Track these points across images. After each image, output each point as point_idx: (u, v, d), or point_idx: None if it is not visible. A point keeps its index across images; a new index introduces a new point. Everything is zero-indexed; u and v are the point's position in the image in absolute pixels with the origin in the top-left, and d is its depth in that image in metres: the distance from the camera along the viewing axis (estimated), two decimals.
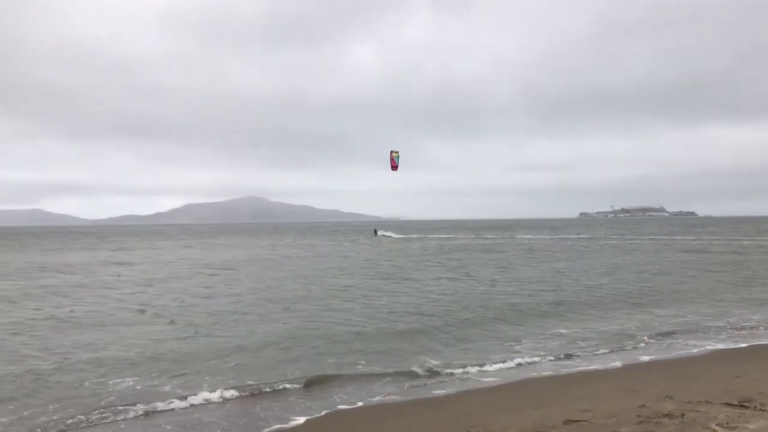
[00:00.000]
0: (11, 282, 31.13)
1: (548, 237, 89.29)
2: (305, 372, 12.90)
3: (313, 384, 12.22)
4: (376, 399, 11.42)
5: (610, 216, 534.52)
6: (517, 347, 15.31)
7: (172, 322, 18.81)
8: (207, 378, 12.54)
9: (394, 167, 52.45)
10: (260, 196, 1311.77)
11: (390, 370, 13.12)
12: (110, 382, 12.18)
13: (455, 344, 15.59)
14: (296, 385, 12.10)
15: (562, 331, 17.14)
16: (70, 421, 10.14)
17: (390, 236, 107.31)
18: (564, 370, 13.24)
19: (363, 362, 13.78)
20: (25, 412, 10.50)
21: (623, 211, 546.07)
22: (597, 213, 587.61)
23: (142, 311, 20.91)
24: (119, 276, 33.92)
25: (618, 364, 13.69)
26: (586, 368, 13.38)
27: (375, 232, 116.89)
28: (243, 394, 11.62)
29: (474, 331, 17.16)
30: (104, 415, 10.42)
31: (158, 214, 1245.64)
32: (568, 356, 14.59)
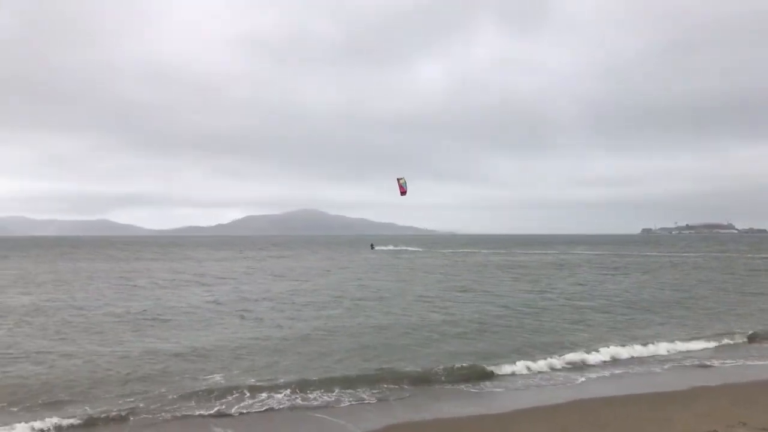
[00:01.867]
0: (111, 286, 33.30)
1: (611, 253, 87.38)
2: None
3: None
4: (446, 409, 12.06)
5: (674, 232, 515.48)
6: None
7: (279, 326, 20.06)
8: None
9: (403, 192, 53.54)
10: (317, 209, 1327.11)
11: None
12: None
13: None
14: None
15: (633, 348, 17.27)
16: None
17: (390, 249, 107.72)
18: (630, 391, 13.45)
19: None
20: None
21: (688, 227, 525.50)
22: (660, 229, 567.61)
23: (242, 316, 22.66)
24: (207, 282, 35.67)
25: (687, 386, 13.76)
26: (654, 390, 13.49)
27: (372, 246, 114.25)
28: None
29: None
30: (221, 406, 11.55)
31: (219, 226, 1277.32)
32: (632, 374, 14.85)
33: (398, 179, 51.04)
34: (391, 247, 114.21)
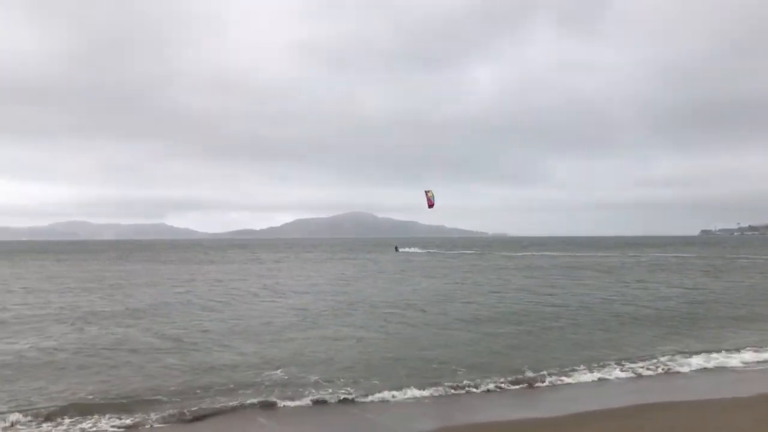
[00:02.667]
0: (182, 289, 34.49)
1: (670, 255, 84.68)
2: None
3: None
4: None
5: (735, 234, 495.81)
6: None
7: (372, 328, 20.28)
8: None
9: (431, 205, 53.29)
10: (367, 212, 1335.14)
11: None
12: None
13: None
14: None
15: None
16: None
17: (415, 251, 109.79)
18: (696, 397, 13.02)
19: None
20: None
21: (751, 228, 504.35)
22: (721, 230, 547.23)
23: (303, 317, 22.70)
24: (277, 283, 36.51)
25: (753, 392, 13.25)
26: (721, 396, 13.03)
27: (396, 248, 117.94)
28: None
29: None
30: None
31: (271, 229, 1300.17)
32: (697, 380, 14.38)
33: (426, 192, 52.19)
34: (416, 249, 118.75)
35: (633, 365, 15.72)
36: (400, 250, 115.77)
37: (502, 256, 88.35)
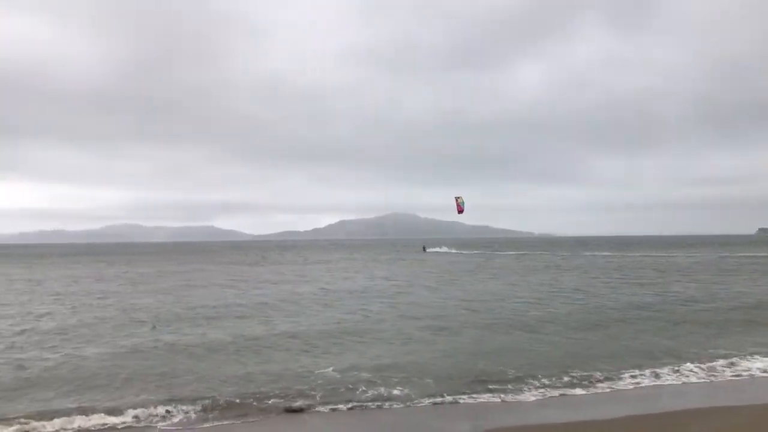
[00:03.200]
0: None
1: (742, 255, 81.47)
2: None
3: None
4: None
5: None
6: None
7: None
8: None
9: (461, 211, 53.14)
10: (409, 212, 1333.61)
11: None
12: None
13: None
14: None
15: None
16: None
17: (446, 251, 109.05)
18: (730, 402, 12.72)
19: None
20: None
21: None
22: None
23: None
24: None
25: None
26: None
27: (424, 248, 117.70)
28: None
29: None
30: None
31: (315, 230, 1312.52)
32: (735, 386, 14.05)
33: (456, 198, 52.71)
34: (445, 249, 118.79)
35: (707, 364, 15.56)
36: (428, 250, 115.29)
37: (559, 256, 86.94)
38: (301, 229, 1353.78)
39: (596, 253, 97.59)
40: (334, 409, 12.42)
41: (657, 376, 14.76)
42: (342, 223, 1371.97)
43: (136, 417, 11.79)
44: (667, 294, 32.42)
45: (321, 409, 12.42)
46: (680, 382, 14.38)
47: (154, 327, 22.62)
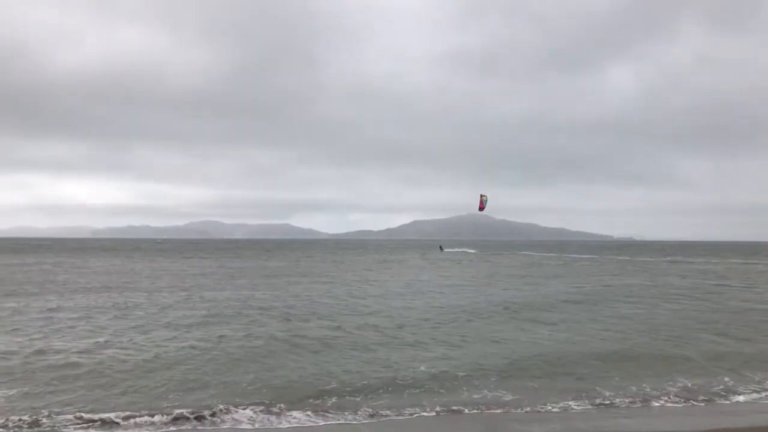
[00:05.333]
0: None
1: None
2: None
3: None
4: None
5: None
6: None
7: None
8: None
9: (481, 208, 52.84)
10: (484, 213, 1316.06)
11: None
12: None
13: None
14: None
15: None
16: None
17: (465, 252, 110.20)
18: None
19: None
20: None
21: None
22: None
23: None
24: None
25: None
26: None
27: (441, 248, 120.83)
28: None
29: None
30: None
31: (388, 230, 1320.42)
32: None
33: (481, 195, 53.44)
34: (457, 249, 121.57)
35: None
36: (446, 250, 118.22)
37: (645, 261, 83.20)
38: (375, 228, 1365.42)
39: (680, 259, 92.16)
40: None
41: None
42: (415, 224, 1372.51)
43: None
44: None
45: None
46: None
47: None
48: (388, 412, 11.62)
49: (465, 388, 13.16)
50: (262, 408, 11.64)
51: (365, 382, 13.47)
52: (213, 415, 11.17)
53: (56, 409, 11.26)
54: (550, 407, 12.06)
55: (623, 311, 25.94)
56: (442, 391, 12.97)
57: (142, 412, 11.17)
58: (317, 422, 11.10)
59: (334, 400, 12.28)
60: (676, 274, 52.53)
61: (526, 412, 11.83)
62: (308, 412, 11.49)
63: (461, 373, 14.31)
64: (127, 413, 11.10)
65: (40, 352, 16.17)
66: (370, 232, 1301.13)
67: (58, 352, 16.17)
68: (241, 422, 11.02)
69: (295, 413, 11.44)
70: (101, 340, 18.01)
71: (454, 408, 11.89)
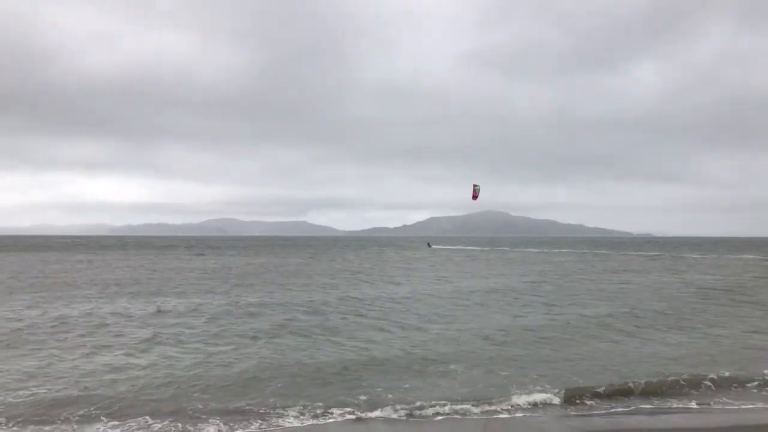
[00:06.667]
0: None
1: None
2: None
3: None
4: None
5: None
6: None
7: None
8: None
9: (475, 197, 54.49)
10: (502, 211, 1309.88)
11: None
12: None
13: None
14: None
15: None
16: None
17: (451, 248, 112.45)
18: None
19: None
20: None
21: None
22: None
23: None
24: None
25: None
26: None
27: (428, 245, 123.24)
28: None
29: None
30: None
31: (404, 227, 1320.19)
32: None
33: (474, 186, 55.41)
34: (450, 246, 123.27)
35: None
36: (433, 246, 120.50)
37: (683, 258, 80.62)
38: (391, 225, 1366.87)
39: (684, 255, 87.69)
40: None
41: None
42: (431, 221, 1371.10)
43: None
44: None
45: None
46: None
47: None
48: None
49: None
50: None
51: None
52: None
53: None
54: None
55: None
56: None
57: None
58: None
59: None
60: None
61: None
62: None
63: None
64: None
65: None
66: (386, 229, 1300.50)
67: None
68: None
69: None
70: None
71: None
